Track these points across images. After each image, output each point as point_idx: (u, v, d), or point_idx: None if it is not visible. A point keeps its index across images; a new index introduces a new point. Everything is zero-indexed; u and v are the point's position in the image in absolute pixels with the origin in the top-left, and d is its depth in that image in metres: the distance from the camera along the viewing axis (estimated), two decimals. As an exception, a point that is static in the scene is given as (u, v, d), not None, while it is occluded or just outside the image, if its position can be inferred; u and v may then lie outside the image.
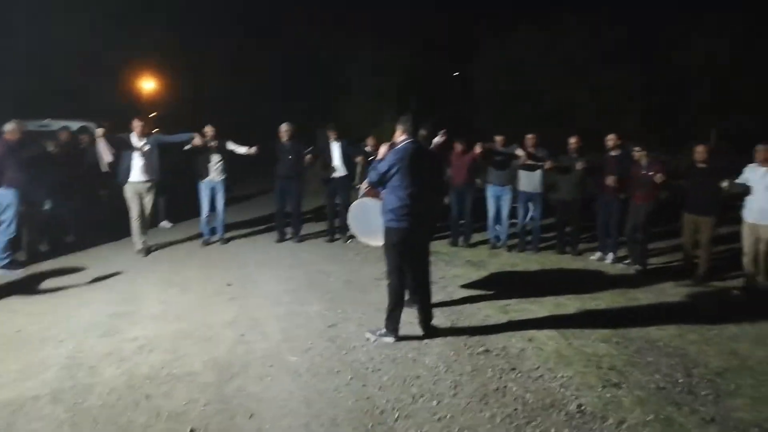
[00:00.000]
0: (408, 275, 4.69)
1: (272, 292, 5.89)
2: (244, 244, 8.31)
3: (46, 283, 6.10)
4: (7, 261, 6.55)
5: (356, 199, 5.60)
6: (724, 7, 15.89)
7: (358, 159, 8.34)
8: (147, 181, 7.29)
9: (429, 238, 5.47)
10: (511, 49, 18.80)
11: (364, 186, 5.04)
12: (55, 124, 8.19)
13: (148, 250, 7.46)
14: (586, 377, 4.02)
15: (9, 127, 6.61)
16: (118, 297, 5.64)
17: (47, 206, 7.39)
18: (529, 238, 8.17)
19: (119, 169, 7.20)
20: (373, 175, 4.50)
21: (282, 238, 8.38)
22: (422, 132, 5.15)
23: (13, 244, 6.75)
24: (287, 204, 8.32)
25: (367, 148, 8.52)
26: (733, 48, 15.53)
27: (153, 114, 28.61)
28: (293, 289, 6.04)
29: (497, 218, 8.20)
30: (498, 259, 7.54)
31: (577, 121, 17.45)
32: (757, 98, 15.42)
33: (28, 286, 5.98)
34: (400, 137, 4.60)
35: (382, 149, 4.68)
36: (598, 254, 7.71)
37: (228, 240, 8.25)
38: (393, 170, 4.40)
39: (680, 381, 4.00)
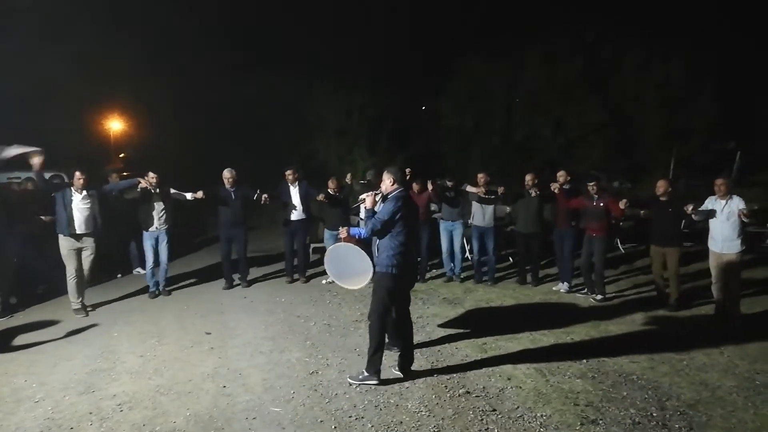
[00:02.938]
0: (392, 318, 4.80)
1: (251, 340, 5.88)
2: (216, 289, 8.15)
3: (20, 339, 5.98)
4: None
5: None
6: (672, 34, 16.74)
7: (320, 197, 8.19)
8: (86, 236, 6.82)
9: (414, 281, 5.62)
10: (477, 84, 19.29)
11: (342, 234, 5.14)
12: (24, 175, 8.10)
13: (86, 310, 6.95)
14: (565, 415, 4.13)
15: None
16: (96, 351, 5.56)
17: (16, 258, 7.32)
18: (485, 269, 8.46)
19: (58, 220, 6.71)
20: (375, 224, 4.59)
21: (230, 285, 8.20)
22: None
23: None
24: (233, 251, 8.16)
25: (329, 190, 8.35)
26: (686, 70, 16.20)
27: (122, 155, 28.43)
28: (272, 335, 6.04)
29: (451, 251, 8.47)
30: (473, 296, 7.66)
31: (543, 154, 17.94)
32: (712, 123, 16.09)
33: (1, 344, 5.84)
34: (392, 186, 4.76)
35: (369, 200, 4.81)
36: (560, 284, 8.00)
37: (170, 292, 7.85)
38: (396, 218, 4.56)
39: (654, 415, 4.14)
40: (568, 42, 18.07)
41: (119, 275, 8.95)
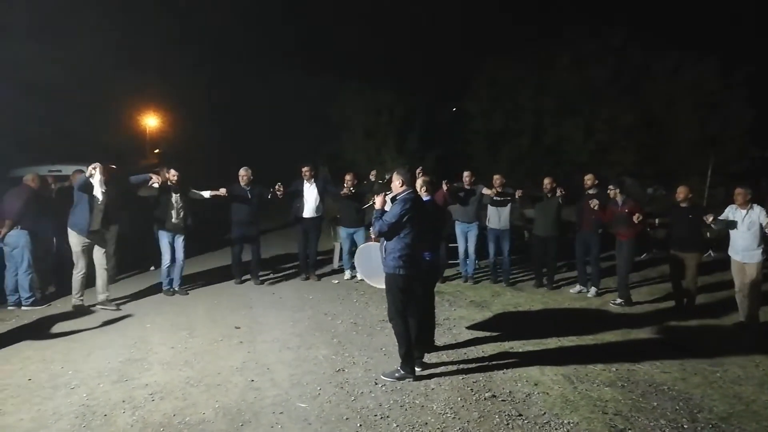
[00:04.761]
0: (411, 317, 4.83)
1: (279, 336, 5.96)
2: (246, 285, 8.28)
3: (57, 327, 6.16)
4: (33, 299, 6.91)
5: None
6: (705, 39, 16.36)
7: (343, 191, 8.25)
8: (101, 231, 6.85)
9: (434, 280, 5.64)
10: (506, 86, 19.11)
11: (372, 234, 5.18)
12: (66, 169, 8.31)
13: (86, 309, 6.76)
14: (593, 423, 4.08)
15: (30, 175, 7.06)
16: (129, 342, 5.70)
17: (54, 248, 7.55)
18: (500, 270, 8.55)
19: (75, 216, 6.61)
20: (382, 226, 4.64)
21: (241, 280, 8.28)
22: (425, 178, 5.35)
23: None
24: (248, 249, 8.23)
25: (345, 184, 8.35)
26: (723, 70, 15.77)
27: (157, 150, 28.98)
28: (300, 332, 6.11)
29: (467, 253, 8.55)
30: (501, 299, 7.62)
31: (573, 156, 17.65)
32: (747, 129, 15.63)
33: (39, 331, 6.04)
34: (401, 188, 4.79)
35: (378, 200, 4.86)
36: (577, 287, 8.02)
37: (188, 291, 7.76)
38: (404, 220, 4.58)
39: (685, 427, 4.06)
40: (599, 44, 17.77)
41: (152, 267, 9.13)
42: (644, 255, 10.35)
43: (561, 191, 7.83)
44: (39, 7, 16.69)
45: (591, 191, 7.76)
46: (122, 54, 22.23)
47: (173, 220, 7.49)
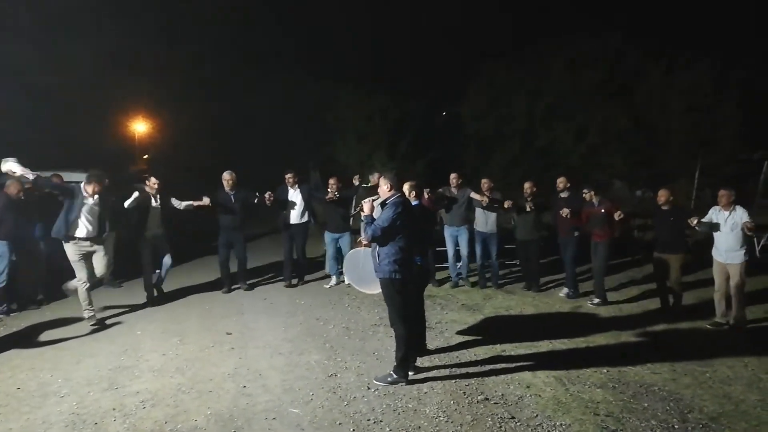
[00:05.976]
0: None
1: (271, 341, 5.94)
2: (237, 291, 8.26)
3: (47, 335, 6.11)
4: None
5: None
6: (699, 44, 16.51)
7: (328, 196, 8.23)
8: (94, 240, 6.46)
9: (424, 284, 5.66)
10: (500, 90, 19.18)
11: (363, 240, 5.18)
12: (66, 175, 8.21)
13: (101, 321, 6.60)
14: (585, 425, 4.10)
15: (10, 181, 6.87)
16: (119, 349, 5.67)
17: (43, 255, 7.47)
18: (488, 274, 8.58)
19: (60, 222, 6.29)
20: (375, 231, 4.64)
21: (229, 289, 8.21)
22: (413, 183, 5.37)
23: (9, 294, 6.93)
24: (233, 254, 8.21)
25: (330, 188, 8.31)
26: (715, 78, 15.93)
27: (146, 156, 28.85)
28: (292, 337, 6.10)
29: (457, 257, 8.61)
30: (492, 303, 7.64)
31: (564, 160, 17.74)
32: (736, 132, 15.77)
33: (28, 339, 6.00)
34: (389, 192, 4.81)
35: (366, 206, 4.86)
36: (565, 290, 8.06)
37: (165, 294, 7.79)
38: (397, 223, 4.61)
39: (676, 427, 4.09)
40: (594, 46, 17.88)
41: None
42: (637, 257, 10.44)
43: (530, 207, 7.95)
44: (36, 7, 16.58)
45: (563, 194, 7.91)
46: (120, 53, 22.02)
47: (154, 227, 7.45)
